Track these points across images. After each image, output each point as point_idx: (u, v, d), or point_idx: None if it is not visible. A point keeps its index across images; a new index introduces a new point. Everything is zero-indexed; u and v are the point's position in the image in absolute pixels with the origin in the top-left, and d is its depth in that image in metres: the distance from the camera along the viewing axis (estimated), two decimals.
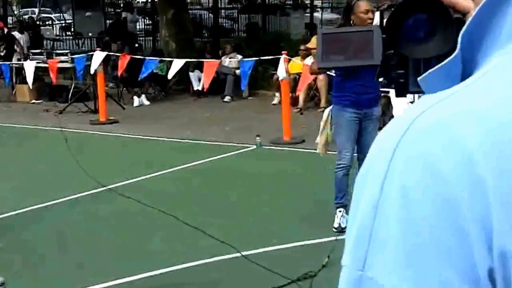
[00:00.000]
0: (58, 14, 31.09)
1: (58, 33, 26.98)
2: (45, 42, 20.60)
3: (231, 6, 25.73)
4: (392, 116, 9.32)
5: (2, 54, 16.31)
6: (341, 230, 6.46)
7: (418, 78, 1.07)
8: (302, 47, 14.54)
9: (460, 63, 0.90)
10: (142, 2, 24.64)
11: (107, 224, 7.10)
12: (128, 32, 18.69)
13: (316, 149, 9.76)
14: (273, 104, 14.16)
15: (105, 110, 13.12)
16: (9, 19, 23.72)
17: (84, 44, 21.42)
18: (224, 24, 25.10)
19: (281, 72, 10.95)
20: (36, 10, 31.01)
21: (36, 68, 14.89)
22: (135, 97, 15.16)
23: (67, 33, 24.90)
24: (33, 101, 15.96)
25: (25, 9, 34.56)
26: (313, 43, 14.48)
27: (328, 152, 6.88)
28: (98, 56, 12.90)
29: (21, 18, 25.26)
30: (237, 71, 15.05)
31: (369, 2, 6.42)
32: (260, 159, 9.91)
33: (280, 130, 10.87)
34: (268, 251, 6.09)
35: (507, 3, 0.85)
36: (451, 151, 0.76)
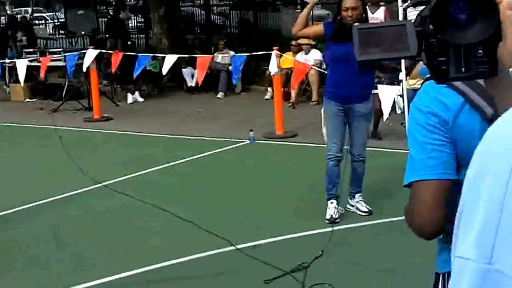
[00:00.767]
0: (51, 13, 31.04)
1: (51, 32, 26.97)
2: (38, 41, 20.61)
3: (223, 2, 25.75)
4: (381, 112, 9.39)
5: None
6: (334, 221, 6.56)
7: None
8: (293, 43, 14.60)
9: None
10: (133, 0, 24.62)
11: (103, 220, 7.17)
12: (125, 30, 18.72)
13: (308, 143, 9.90)
14: (266, 99, 14.22)
15: (99, 108, 13.16)
16: (2, 19, 23.70)
17: (77, 42, 21.45)
18: (216, 21, 25.13)
19: (273, 68, 11.03)
20: (29, 9, 30.95)
21: (30, 67, 14.93)
22: (129, 94, 15.20)
23: (61, 31, 24.92)
24: (28, 99, 15.98)
25: (18, 9, 34.48)
26: (304, 39, 14.53)
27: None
28: (91, 54, 12.94)
29: (15, 18, 25.23)
30: (230, 67, 15.10)
31: (356, 0, 6.48)
32: (254, 153, 9.98)
33: (273, 125, 10.96)
34: (263, 244, 6.17)
35: None
36: None
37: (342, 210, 6.81)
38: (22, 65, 13.92)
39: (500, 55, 1.37)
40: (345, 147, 6.72)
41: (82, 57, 13.30)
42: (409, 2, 10.22)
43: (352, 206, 6.93)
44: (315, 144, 9.61)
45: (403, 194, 2.19)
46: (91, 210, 7.53)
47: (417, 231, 2.12)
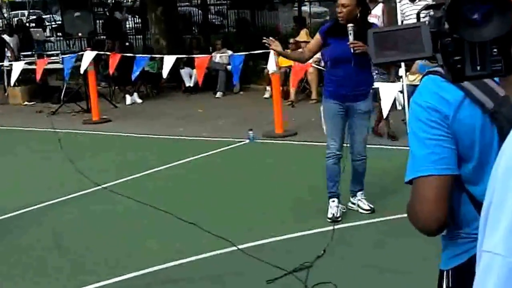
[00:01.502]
0: (48, 16, 31.05)
1: (48, 35, 26.98)
2: (35, 44, 20.59)
3: (220, 2, 25.75)
4: (380, 108, 9.36)
5: None
6: (335, 220, 6.53)
7: None
8: (291, 41, 14.59)
9: None
10: (131, 0, 24.62)
11: (103, 223, 7.14)
12: (121, 31, 18.71)
13: (308, 142, 9.86)
14: (265, 98, 14.20)
15: (97, 110, 13.14)
16: None
17: (75, 44, 21.44)
18: (214, 20, 25.13)
19: (271, 66, 10.99)
20: (26, 12, 30.95)
21: (28, 70, 14.93)
22: (127, 96, 15.18)
23: (58, 34, 24.91)
24: (26, 103, 15.97)
25: (15, 12, 34.50)
26: (302, 36, 14.54)
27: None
28: (88, 56, 12.91)
29: (11, 21, 25.24)
30: (228, 67, 15.10)
31: None
32: (254, 153, 9.95)
33: (272, 124, 10.91)
34: (264, 244, 6.14)
35: None
36: None
37: (344, 209, 6.77)
38: (18, 67, 13.89)
39: None
40: (344, 145, 6.70)
41: (79, 59, 13.27)
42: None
43: (354, 204, 6.88)
44: (315, 142, 9.58)
45: (406, 191, 2.17)
46: (91, 213, 7.50)
47: (421, 228, 2.11)
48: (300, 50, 8.20)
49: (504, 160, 0.93)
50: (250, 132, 10.43)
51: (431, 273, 2.42)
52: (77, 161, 9.17)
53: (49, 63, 14.69)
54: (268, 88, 14.02)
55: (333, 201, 6.65)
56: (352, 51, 6.24)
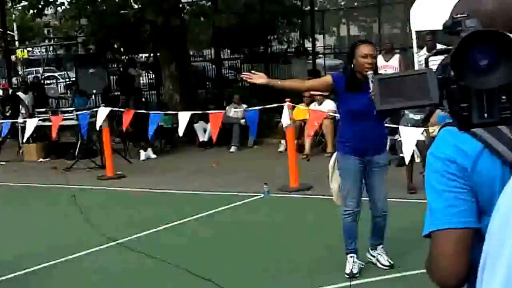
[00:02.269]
0: (62, 72, 31.37)
1: (62, 91, 27.22)
2: (50, 101, 20.78)
3: (234, 56, 25.93)
4: (401, 151, 9.28)
5: (7, 114, 16.43)
6: (353, 276, 6.41)
7: None
8: (305, 94, 14.63)
9: None
10: (144, 56, 24.85)
11: (117, 280, 7.06)
12: (135, 87, 18.85)
13: (324, 195, 9.73)
14: (279, 152, 14.18)
15: (112, 165, 13.14)
16: (14, 80, 23.91)
17: (89, 100, 21.60)
18: (227, 75, 25.28)
19: (285, 120, 10.97)
20: (40, 69, 31.30)
21: (43, 126, 15.02)
22: (142, 151, 15.20)
23: (72, 90, 25.16)
24: (41, 159, 16.03)
25: (29, 69, 34.89)
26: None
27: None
28: (103, 112, 12.97)
29: (26, 79, 25.49)
30: (242, 121, 15.13)
31: (372, 46, 6.29)
32: (268, 207, 9.87)
33: (287, 177, 10.83)
34: None
35: None
36: None
37: (362, 265, 6.62)
38: (31, 123, 13.97)
39: None
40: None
41: (94, 115, 13.33)
42: (424, 50, 10.26)
43: (374, 257, 6.72)
44: (331, 196, 9.50)
45: (425, 247, 2.10)
46: (105, 269, 7.43)
47: (439, 282, 2.04)
48: (299, 81, 7.87)
49: (499, 215, 0.90)
50: (265, 186, 10.36)
51: None
52: (92, 217, 9.15)
53: (63, 119, 14.76)
54: (282, 141, 14.01)
55: (351, 257, 6.50)
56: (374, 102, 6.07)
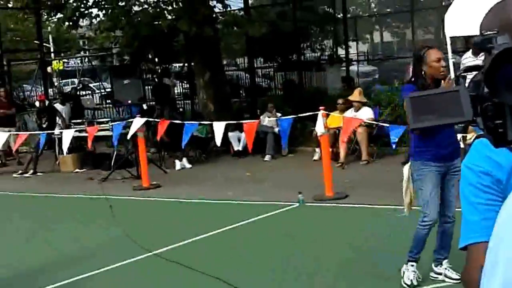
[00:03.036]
0: (98, 83, 31.69)
1: (98, 102, 27.48)
2: (86, 112, 20.98)
3: (267, 65, 25.98)
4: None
5: (44, 126, 16.61)
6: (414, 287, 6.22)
7: None
8: (339, 101, 14.59)
9: None
10: (178, 66, 25.01)
11: None
12: (170, 97, 18.96)
13: (360, 204, 9.69)
14: (314, 160, 14.15)
15: (147, 176, 13.22)
16: (50, 91, 24.17)
17: (124, 111, 21.77)
18: (261, 83, 25.33)
19: (319, 128, 10.93)
20: (76, 80, 31.62)
21: (79, 137, 15.17)
22: (177, 161, 15.27)
23: (107, 101, 25.39)
24: (77, 170, 16.19)
25: (64, 80, 35.28)
26: (355, 95, 14.50)
27: (412, 208, 6.45)
28: (137, 123, 13.07)
29: (62, 90, 25.79)
30: (276, 130, 15.13)
31: (439, 50, 6.21)
32: (304, 216, 9.82)
33: (322, 186, 10.74)
34: None
35: None
36: None
37: (420, 278, 6.32)
38: (68, 135, 14.12)
39: None
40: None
41: (129, 126, 13.43)
42: (469, 53, 10.22)
43: (440, 274, 6.36)
44: (367, 205, 9.48)
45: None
46: (141, 280, 7.47)
47: None
48: None
49: (494, 234, 0.93)
50: (300, 195, 10.32)
51: None
52: (128, 227, 9.22)
53: (99, 130, 14.89)
54: (317, 150, 13.97)
55: (412, 265, 6.23)
56: None
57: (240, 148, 15.79)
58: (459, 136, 8.75)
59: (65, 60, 37.26)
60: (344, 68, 21.01)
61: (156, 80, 20.72)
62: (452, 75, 8.80)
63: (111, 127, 14.70)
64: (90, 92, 30.19)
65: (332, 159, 12.08)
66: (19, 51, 28.22)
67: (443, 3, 25.73)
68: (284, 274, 7.18)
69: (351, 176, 12.05)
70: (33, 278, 7.75)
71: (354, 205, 10.01)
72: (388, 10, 36.41)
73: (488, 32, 1.46)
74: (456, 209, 8.04)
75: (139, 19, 17.25)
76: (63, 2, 16.97)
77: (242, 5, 20.60)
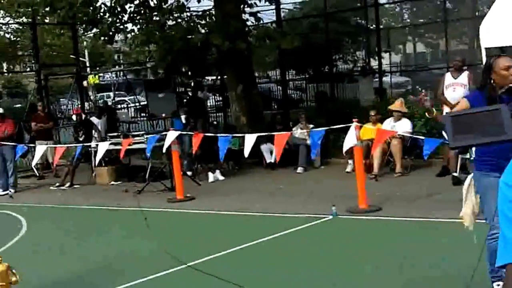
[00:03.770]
0: (132, 97, 31.97)
1: (133, 115, 27.72)
2: (121, 125, 21.19)
3: (299, 77, 26.02)
4: None
5: (81, 139, 16.83)
6: None
7: None
8: (372, 113, 14.56)
9: None
10: (211, 79, 25.17)
11: None
12: (204, 109, 19.10)
13: (394, 217, 9.62)
14: (347, 172, 14.14)
15: (181, 188, 13.32)
16: (86, 105, 24.45)
17: (158, 124, 21.96)
18: (293, 95, 25.36)
19: (350, 141, 10.88)
20: (111, 94, 31.90)
21: (115, 150, 15.33)
22: (210, 173, 15.37)
23: (142, 114, 25.62)
24: (113, 182, 16.36)
25: (100, 94, 35.59)
26: (396, 105, 14.43)
27: (477, 220, 6.22)
28: (171, 135, 13.20)
29: (97, 103, 26.05)
30: (308, 142, 15.15)
31: (509, 58, 5.97)
32: (338, 229, 9.80)
33: (355, 198, 10.68)
34: None
35: None
36: None
37: None
38: (103, 146, 14.28)
39: None
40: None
41: (163, 138, 13.56)
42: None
43: None
44: (401, 218, 9.44)
45: None
46: None
47: None
48: None
49: None
50: (333, 207, 10.31)
51: None
52: (163, 239, 9.28)
53: (133, 143, 15.04)
54: (350, 161, 13.97)
55: (498, 285, 5.96)
56: None
57: (272, 160, 15.84)
58: None
59: (101, 74, 37.60)
60: (377, 79, 20.96)
61: (190, 93, 20.87)
62: None
63: (146, 139, 14.84)
64: (125, 105, 30.48)
65: (366, 171, 12.04)
66: (55, 66, 28.54)
67: (477, 13, 25.60)
68: (321, 285, 7.19)
69: (385, 188, 12.02)
70: None
71: (388, 218, 9.97)
72: (421, 20, 36.28)
73: None
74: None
75: (173, 33, 17.42)
76: (99, 17, 17.16)
77: (274, 18, 20.68)
